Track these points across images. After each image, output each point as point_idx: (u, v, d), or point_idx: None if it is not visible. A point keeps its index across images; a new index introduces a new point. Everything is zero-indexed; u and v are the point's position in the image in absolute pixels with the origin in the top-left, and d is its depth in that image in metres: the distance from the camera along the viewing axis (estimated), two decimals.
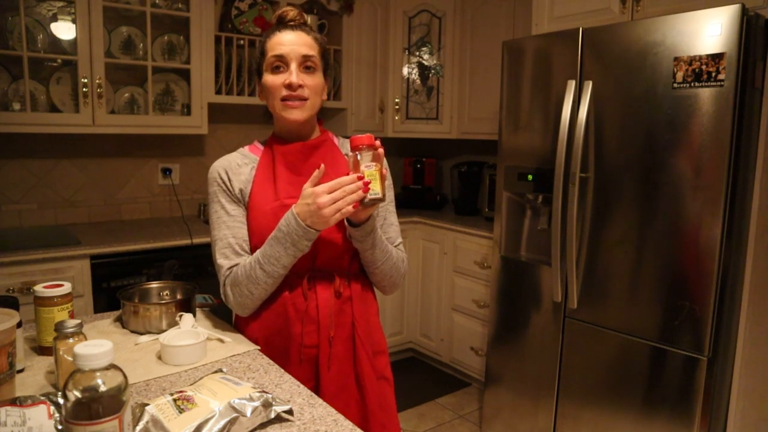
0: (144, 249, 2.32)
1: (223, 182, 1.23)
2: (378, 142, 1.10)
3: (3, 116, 2.27)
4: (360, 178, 1.06)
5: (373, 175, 1.07)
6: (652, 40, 1.78)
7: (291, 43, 1.18)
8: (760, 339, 1.88)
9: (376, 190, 1.07)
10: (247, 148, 1.31)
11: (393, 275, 1.27)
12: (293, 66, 1.18)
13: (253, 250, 1.22)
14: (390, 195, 1.31)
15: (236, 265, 1.20)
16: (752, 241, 1.79)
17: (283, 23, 1.23)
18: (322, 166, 1.11)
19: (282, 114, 1.20)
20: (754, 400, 1.91)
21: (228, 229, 1.21)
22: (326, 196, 1.06)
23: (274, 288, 1.19)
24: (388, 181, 1.30)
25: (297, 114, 1.19)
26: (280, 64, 1.18)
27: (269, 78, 1.20)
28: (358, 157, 1.08)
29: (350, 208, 1.07)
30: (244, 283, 1.17)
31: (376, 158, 1.09)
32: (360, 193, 1.06)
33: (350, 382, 1.22)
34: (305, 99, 1.19)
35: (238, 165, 1.26)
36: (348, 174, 1.10)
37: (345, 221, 1.17)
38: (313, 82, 1.20)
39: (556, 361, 2.16)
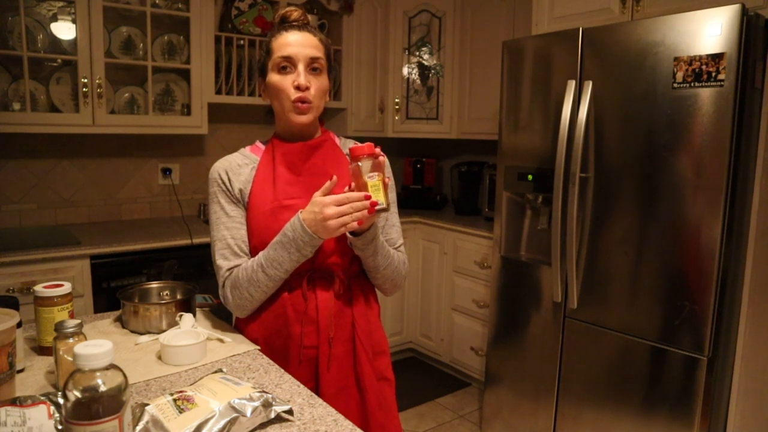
0: (144, 249, 2.32)
1: (223, 183, 1.23)
2: (378, 150, 1.09)
3: (3, 116, 2.27)
4: (368, 197, 1.06)
5: (377, 186, 1.07)
6: (652, 40, 1.78)
7: (298, 44, 1.18)
8: (760, 339, 1.88)
9: (381, 199, 1.07)
10: (248, 148, 1.30)
11: (395, 278, 1.27)
12: (301, 67, 1.17)
13: (252, 251, 1.22)
14: (392, 196, 1.31)
15: (235, 266, 1.20)
16: (752, 241, 1.79)
17: (287, 23, 1.23)
18: (335, 177, 1.10)
19: (289, 116, 1.20)
20: (754, 400, 1.91)
21: (227, 230, 1.21)
22: (333, 208, 1.06)
23: (273, 291, 1.19)
24: (390, 182, 1.30)
25: (304, 118, 1.20)
26: (287, 64, 1.18)
27: (276, 78, 1.19)
28: (360, 165, 1.07)
29: (355, 224, 1.08)
30: (244, 285, 1.17)
31: (377, 167, 1.07)
32: (365, 212, 1.06)
33: (350, 383, 1.22)
34: (311, 102, 1.19)
35: (239, 165, 1.26)
36: (350, 182, 1.10)
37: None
38: (320, 84, 1.20)
39: (556, 361, 2.16)
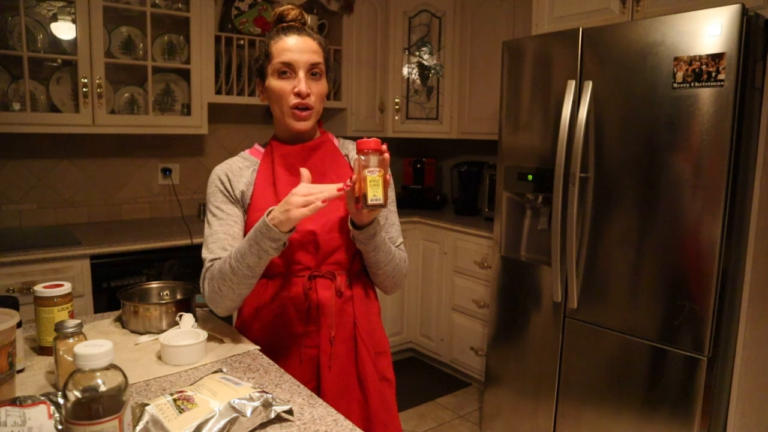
0: (144, 249, 2.32)
1: (224, 186, 1.23)
2: (384, 147, 1.09)
3: (3, 116, 2.27)
4: (347, 186, 1.06)
5: (376, 181, 1.07)
6: (652, 40, 1.78)
7: (299, 49, 1.17)
8: (760, 339, 1.88)
9: (378, 195, 1.06)
10: (247, 151, 1.31)
11: (395, 276, 1.27)
12: (301, 74, 1.17)
13: None
14: (391, 195, 1.31)
15: (217, 258, 1.18)
16: (752, 241, 1.79)
17: (284, 23, 1.22)
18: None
19: (289, 122, 1.20)
20: (754, 400, 1.91)
21: (219, 226, 1.21)
22: (304, 188, 1.05)
23: (241, 293, 1.14)
24: (390, 181, 1.30)
25: (305, 124, 1.20)
26: (287, 70, 1.18)
27: (276, 83, 1.19)
28: (362, 159, 1.07)
29: (319, 203, 1.04)
30: (216, 277, 1.14)
31: (380, 163, 1.08)
32: (334, 191, 1.05)
33: (352, 383, 1.22)
34: (312, 108, 1.19)
35: (240, 168, 1.26)
36: (351, 175, 1.10)
37: (349, 224, 1.17)
38: (320, 89, 1.20)
39: (556, 361, 2.16)
